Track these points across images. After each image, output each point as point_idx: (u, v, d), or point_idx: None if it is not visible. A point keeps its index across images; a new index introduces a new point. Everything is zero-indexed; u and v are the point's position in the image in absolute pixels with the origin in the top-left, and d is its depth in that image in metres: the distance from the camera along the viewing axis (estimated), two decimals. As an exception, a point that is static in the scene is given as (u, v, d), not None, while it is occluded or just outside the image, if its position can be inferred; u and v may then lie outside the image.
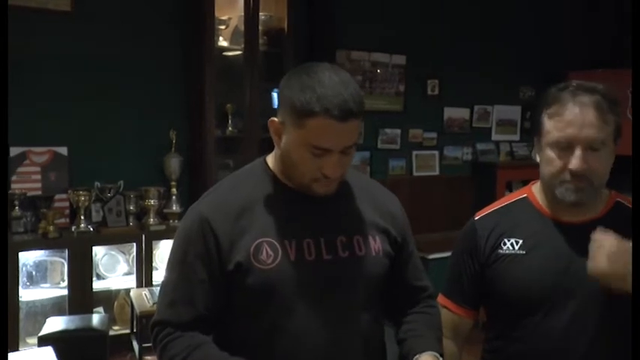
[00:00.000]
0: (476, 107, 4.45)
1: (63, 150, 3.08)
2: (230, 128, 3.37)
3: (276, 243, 1.13)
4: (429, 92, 4.23)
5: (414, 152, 4.21)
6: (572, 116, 1.19)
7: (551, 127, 1.22)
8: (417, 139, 4.22)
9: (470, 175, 4.42)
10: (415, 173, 4.21)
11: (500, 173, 4.21)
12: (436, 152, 4.30)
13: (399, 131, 4.12)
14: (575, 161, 1.19)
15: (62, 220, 3.03)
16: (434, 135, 4.29)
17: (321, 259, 1.14)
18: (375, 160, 4.05)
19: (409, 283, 1.28)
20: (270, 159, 1.23)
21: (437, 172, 4.30)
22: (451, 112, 4.35)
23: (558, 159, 1.21)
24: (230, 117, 3.38)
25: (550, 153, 1.22)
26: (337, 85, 1.09)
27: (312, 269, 1.13)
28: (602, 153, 1.21)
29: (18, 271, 2.84)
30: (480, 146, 4.48)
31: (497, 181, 4.17)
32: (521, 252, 1.26)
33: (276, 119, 1.15)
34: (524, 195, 1.34)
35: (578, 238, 1.21)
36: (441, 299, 1.38)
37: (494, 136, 4.56)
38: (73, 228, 2.99)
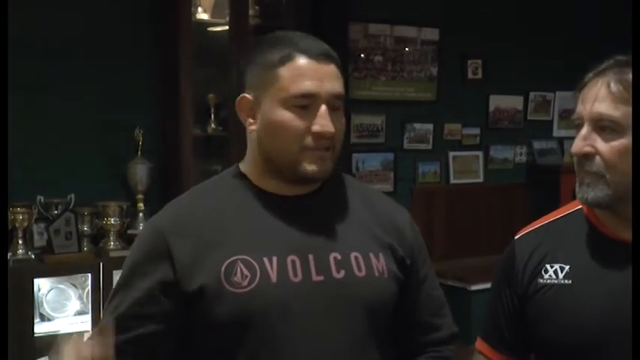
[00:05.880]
0: (532, 94, 4.40)
1: (-5, 155, 3.05)
2: (213, 125, 3.37)
3: (252, 261, 1.14)
4: (470, 76, 4.19)
5: (451, 153, 4.17)
6: (587, 91, 1.19)
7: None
8: (454, 137, 4.17)
9: (525, 182, 4.36)
10: (453, 180, 4.17)
11: (564, 179, 4.05)
12: (480, 153, 4.26)
13: (431, 127, 4.06)
14: (575, 142, 1.19)
15: (-6, 246, 2.95)
16: (476, 131, 4.24)
17: (310, 281, 1.15)
18: (400, 165, 3.97)
19: (419, 317, 1.28)
20: (244, 165, 1.26)
21: (481, 179, 4.27)
22: (499, 101, 4.31)
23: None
24: (213, 111, 3.38)
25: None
26: (311, 37, 1.22)
27: (299, 293, 1.14)
28: (616, 139, 1.15)
29: None
30: (537, 145, 4.44)
31: (562, 188, 4.06)
32: (566, 282, 1.24)
33: (247, 95, 1.20)
34: (580, 206, 1.29)
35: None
36: (477, 343, 1.37)
37: (557, 132, 4.50)
38: (9, 255, 2.92)
